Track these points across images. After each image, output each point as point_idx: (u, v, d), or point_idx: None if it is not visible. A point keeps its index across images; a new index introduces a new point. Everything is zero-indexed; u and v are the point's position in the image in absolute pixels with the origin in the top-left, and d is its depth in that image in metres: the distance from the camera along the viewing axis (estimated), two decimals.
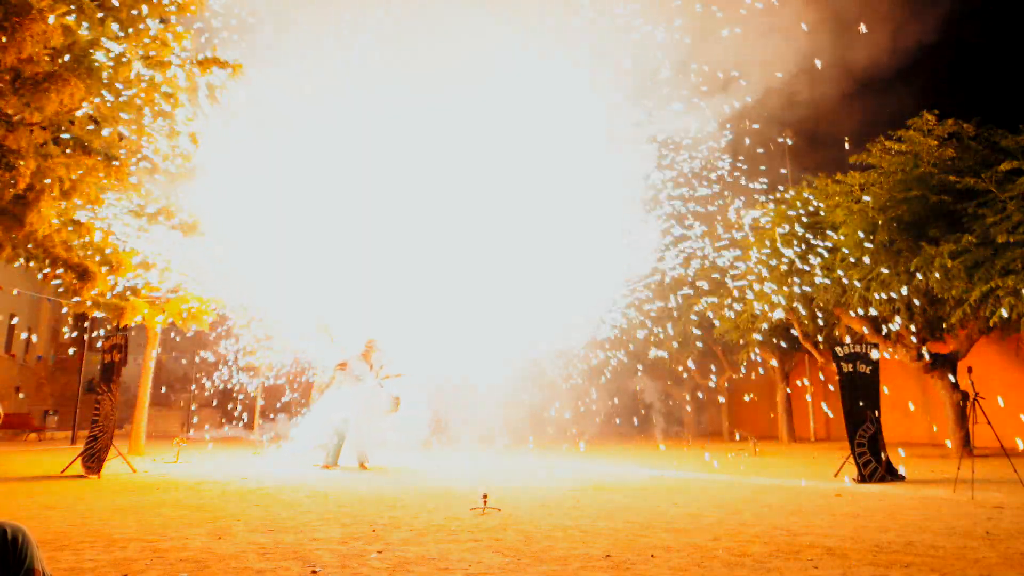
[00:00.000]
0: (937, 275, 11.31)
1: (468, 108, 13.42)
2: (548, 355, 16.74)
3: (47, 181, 9.62)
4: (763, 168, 17.26)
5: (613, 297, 16.94)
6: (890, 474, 9.09)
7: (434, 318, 13.28)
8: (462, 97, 13.47)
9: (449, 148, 13.34)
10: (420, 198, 13.23)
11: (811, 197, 14.64)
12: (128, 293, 12.67)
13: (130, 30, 10.55)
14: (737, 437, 17.53)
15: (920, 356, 13.56)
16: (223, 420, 30.51)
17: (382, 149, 13.09)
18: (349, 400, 11.65)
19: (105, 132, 10.61)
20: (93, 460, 10.20)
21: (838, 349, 9.93)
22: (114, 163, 10.36)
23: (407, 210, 13.20)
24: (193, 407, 30.34)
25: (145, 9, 10.60)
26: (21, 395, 26.20)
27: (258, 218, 12.47)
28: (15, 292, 17.46)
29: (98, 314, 13.49)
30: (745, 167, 17.05)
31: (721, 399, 23.85)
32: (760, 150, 17.31)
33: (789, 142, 22.73)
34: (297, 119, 13.02)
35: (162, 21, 11.24)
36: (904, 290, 12.32)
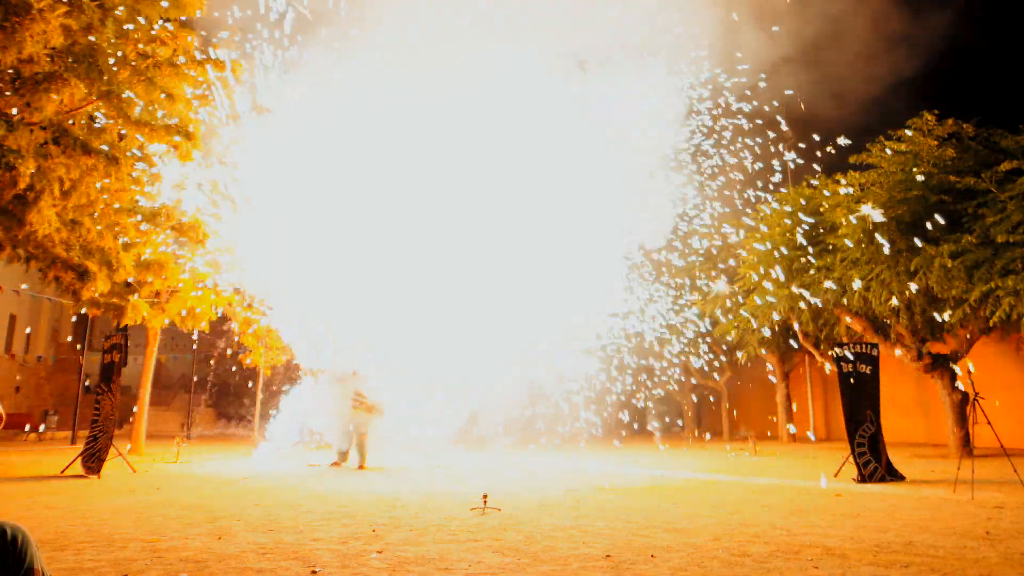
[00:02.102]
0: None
1: (471, 110, 13.39)
2: (548, 356, 16.71)
3: (47, 181, 9.62)
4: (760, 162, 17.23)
5: (614, 297, 16.93)
6: (890, 474, 9.09)
7: (436, 318, 13.27)
8: (464, 99, 13.45)
9: (455, 151, 13.31)
10: (427, 203, 13.21)
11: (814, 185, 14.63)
12: (134, 295, 12.66)
13: (130, 26, 10.55)
14: (728, 450, 17.52)
15: (920, 356, 13.56)
16: (223, 420, 30.52)
17: (389, 153, 13.06)
18: (329, 401, 11.90)
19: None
20: (93, 460, 10.20)
21: (838, 349, 9.93)
22: (114, 163, 10.36)
23: (415, 215, 13.20)
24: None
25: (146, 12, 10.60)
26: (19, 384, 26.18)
27: (264, 217, 12.45)
28: (23, 286, 17.37)
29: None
30: (748, 160, 17.04)
31: (719, 399, 23.84)
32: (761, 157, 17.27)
33: (790, 142, 22.69)
34: (304, 120, 12.99)
35: (163, 21, 11.24)
36: (905, 290, 12.31)
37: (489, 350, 14.13)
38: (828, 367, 16.74)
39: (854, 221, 12.40)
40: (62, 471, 10.40)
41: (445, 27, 13.48)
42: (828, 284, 13.56)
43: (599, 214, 14.54)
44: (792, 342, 18.45)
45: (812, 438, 20.79)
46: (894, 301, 12.67)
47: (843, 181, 13.59)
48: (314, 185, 12.88)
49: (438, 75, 13.42)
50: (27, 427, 21.72)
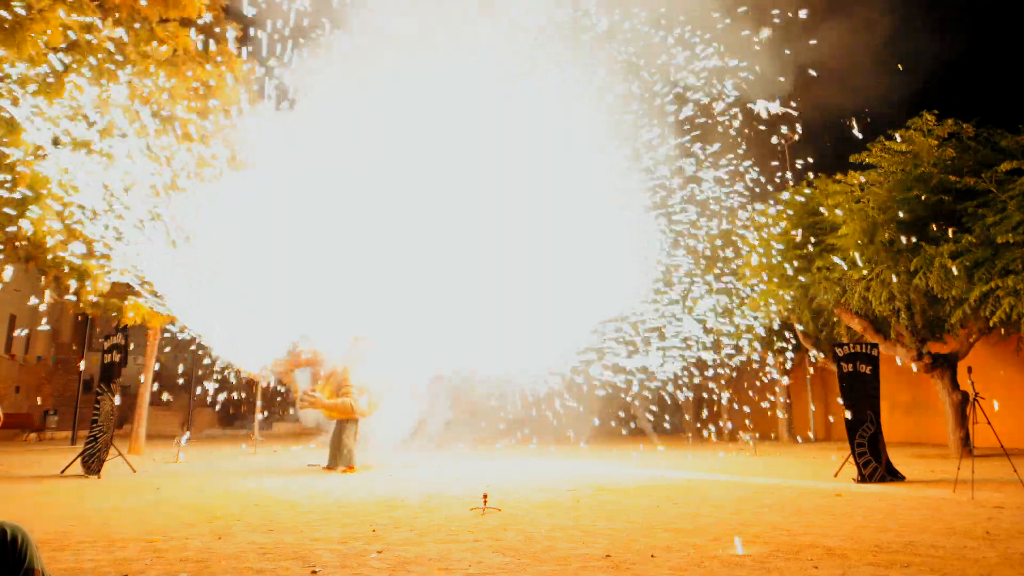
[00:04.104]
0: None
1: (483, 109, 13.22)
2: (547, 356, 16.67)
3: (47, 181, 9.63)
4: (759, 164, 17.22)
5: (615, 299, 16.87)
6: (890, 474, 9.09)
7: (438, 314, 13.08)
8: (476, 97, 13.29)
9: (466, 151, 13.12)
10: (430, 199, 13.01)
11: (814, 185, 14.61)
12: (130, 298, 12.62)
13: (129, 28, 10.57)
14: (721, 446, 17.52)
15: (920, 356, 13.55)
16: (222, 420, 30.52)
17: (400, 153, 12.84)
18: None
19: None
20: (93, 460, 10.20)
21: (838, 349, 9.92)
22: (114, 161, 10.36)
23: (415, 209, 12.96)
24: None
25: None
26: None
27: (263, 217, 12.26)
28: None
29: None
30: (748, 165, 17.03)
31: (719, 399, 23.82)
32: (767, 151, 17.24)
33: (791, 140, 22.66)
34: (307, 117, 12.83)
35: (162, 20, 11.25)
36: (906, 290, 12.31)
37: (492, 350, 14.05)
38: (820, 358, 16.74)
39: (855, 205, 12.37)
40: (62, 471, 10.40)
41: (462, 26, 13.36)
42: (827, 283, 13.56)
43: (604, 217, 14.47)
44: (792, 339, 18.45)
45: (812, 438, 20.80)
46: (893, 301, 12.67)
47: (844, 180, 13.58)
48: (316, 184, 12.75)
49: (448, 70, 13.28)
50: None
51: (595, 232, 14.16)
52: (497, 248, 13.35)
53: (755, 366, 21.31)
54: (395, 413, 13.35)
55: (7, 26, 8.65)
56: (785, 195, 15.69)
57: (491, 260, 13.27)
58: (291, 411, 14.49)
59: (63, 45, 9.65)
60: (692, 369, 22.43)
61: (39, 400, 26.21)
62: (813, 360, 18.71)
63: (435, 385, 15.18)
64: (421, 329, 12.60)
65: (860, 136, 13.28)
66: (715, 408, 24.22)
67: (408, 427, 14.80)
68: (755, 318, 16.39)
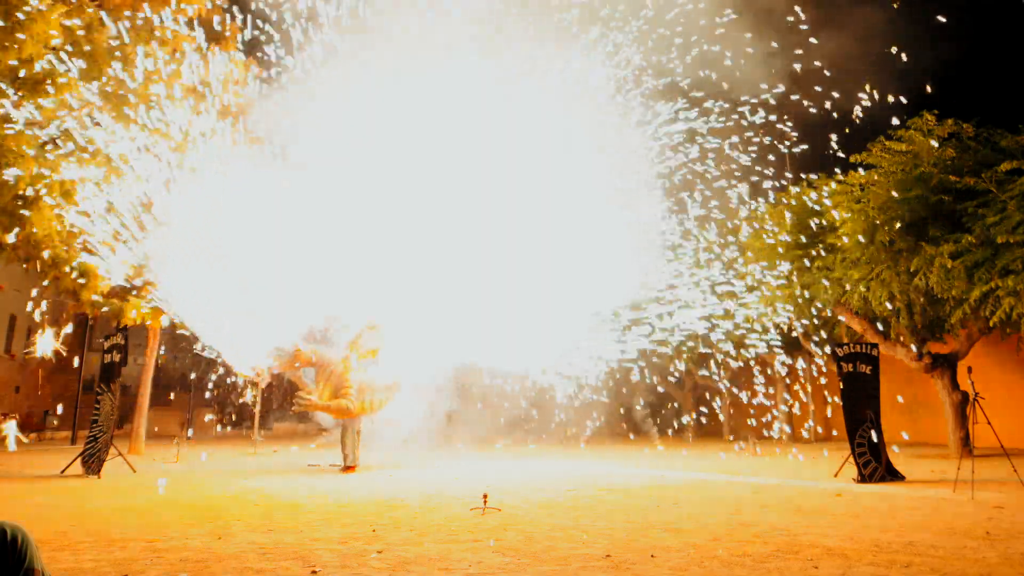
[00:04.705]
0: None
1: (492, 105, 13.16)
2: (548, 357, 16.64)
3: (47, 182, 9.62)
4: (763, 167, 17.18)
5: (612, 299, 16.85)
6: (890, 474, 9.09)
7: (440, 314, 13.04)
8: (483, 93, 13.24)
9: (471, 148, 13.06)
10: (437, 197, 12.93)
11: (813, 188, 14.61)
12: (132, 293, 12.60)
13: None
14: (737, 445, 17.51)
15: (920, 356, 13.55)
16: (222, 420, 30.54)
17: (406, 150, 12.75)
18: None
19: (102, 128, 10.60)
20: (93, 460, 10.20)
21: (838, 349, 9.93)
22: (113, 163, 10.36)
23: (418, 208, 12.88)
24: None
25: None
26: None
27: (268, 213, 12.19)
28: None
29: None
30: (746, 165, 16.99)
31: (720, 398, 23.83)
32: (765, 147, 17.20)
33: (789, 142, 22.62)
34: (315, 110, 12.76)
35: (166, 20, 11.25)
36: (906, 290, 12.31)
37: (493, 351, 14.01)
38: (825, 358, 16.74)
39: (855, 205, 12.37)
40: (62, 471, 10.40)
41: (468, 23, 13.31)
42: (827, 283, 13.55)
43: (605, 218, 14.44)
44: (792, 339, 18.43)
45: (811, 437, 20.79)
46: (893, 301, 12.67)
47: (844, 180, 13.57)
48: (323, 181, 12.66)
49: (449, 69, 13.22)
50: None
51: (596, 232, 14.13)
52: (499, 248, 13.33)
53: (755, 366, 21.32)
54: (396, 413, 13.34)
55: (6, 25, 8.65)
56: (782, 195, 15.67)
57: (493, 260, 13.25)
58: (310, 413, 14.43)
59: (57, 44, 9.64)
60: (692, 368, 22.43)
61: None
62: (813, 359, 18.72)
63: (437, 385, 15.17)
64: (424, 329, 12.59)
65: (859, 120, 13.17)
66: (715, 408, 24.22)
67: (409, 427, 14.79)
68: (755, 318, 16.37)
